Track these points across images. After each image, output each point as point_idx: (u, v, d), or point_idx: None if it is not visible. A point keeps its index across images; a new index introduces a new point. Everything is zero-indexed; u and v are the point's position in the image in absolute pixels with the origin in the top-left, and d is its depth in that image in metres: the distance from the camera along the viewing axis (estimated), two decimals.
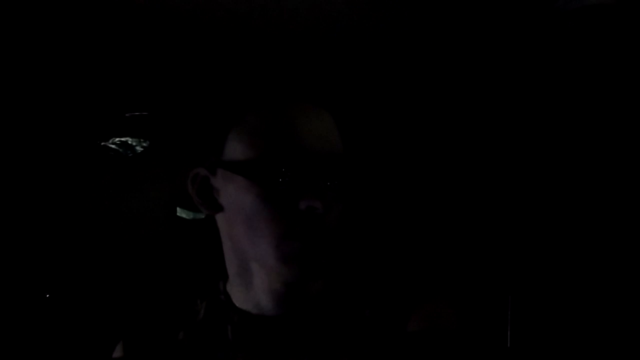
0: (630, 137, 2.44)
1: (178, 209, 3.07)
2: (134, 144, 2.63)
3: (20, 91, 2.23)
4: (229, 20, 1.75)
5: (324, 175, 0.74)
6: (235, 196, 0.75)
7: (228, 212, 0.77)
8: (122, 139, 2.59)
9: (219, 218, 0.79)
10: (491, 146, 2.63)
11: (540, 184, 2.70)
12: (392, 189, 2.82)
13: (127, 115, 2.40)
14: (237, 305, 0.80)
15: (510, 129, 2.52)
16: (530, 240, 2.75)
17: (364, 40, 1.91)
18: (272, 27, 1.80)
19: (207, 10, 1.70)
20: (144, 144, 2.62)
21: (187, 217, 3.09)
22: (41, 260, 3.13)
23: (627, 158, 2.51)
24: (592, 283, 2.62)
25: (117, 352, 0.83)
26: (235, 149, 0.75)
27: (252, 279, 0.78)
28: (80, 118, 2.43)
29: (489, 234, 2.80)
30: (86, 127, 2.49)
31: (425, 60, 2.06)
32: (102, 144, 2.60)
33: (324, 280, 0.80)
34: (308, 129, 0.75)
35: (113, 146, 2.63)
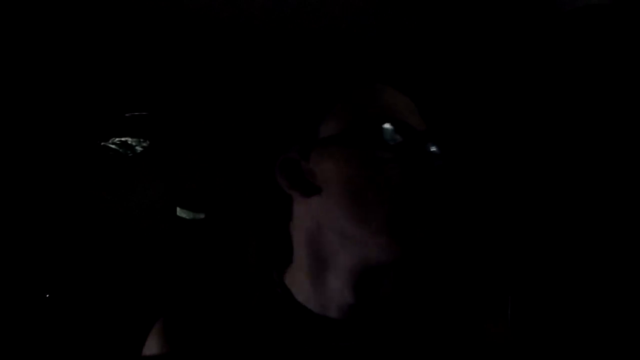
0: (631, 137, 2.44)
1: (178, 209, 3.07)
2: (133, 144, 2.63)
3: (21, 91, 2.23)
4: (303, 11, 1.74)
5: (426, 144, 0.72)
6: (336, 171, 0.72)
7: (327, 192, 0.72)
8: (122, 139, 2.59)
9: (309, 203, 0.74)
10: (491, 146, 2.63)
11: (540, 184, 2.70)
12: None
13: (127, 115, 2.41)
14: (298, 300, 0.75)
15: (510, 128, 2.52)
16: (530, 240, 2.75)
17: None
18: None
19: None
20: (144, 144, 2.62)
21: (187, 217, 3.09)
22: (41, 260, 3.13)
23: (627, 158, 2.51)
24: (592, 283, 2.61)
25: (156, 330, 0.77)
26: (332, 126, 0.74)
27: (329, 271, 0.73)
28: (85, 118, 2.44)
29: (489, 234, 2.80)
30: (94, 127, 2.50)
31: (427, 60, 2.07)
32: (102, 144, 2.61)
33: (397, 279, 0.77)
34: (403, 106, 0.75)
35: (113, 146, 2.63)
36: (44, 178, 2.84)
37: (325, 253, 0.73)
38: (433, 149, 0.72)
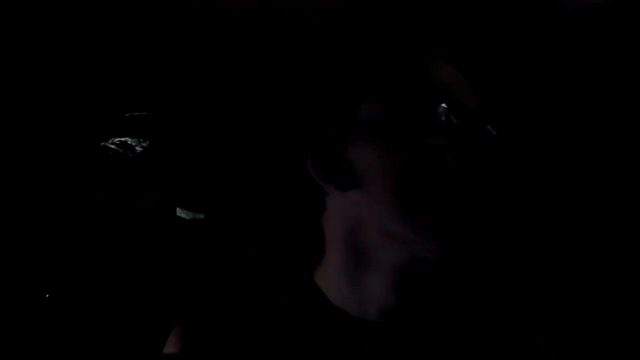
0: (631, 137, 2.44)
1: (178, 209, 3.07)
2: (133, 144, 2.63)
3: (21, 91, 2.23)
4: None
5: (486, 127, 0.62)
6: (378, 161, 0.61)
7: (367, 185, 0.62)
8: (122, 139, 2.59)
9: (347, 197, 0.64)
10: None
11: (539, 185, 2.69)
12: None
13: (127, 115, 2.40)
14: (332, 302, 0.66)
15: (509, 129, 2.51)
16: (530, 240, 2.75)
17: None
18: None
19: None
20: (144, 144, 2.62)
21: (187, 217, 3.09)
22: (41, 261, 3.13)
23: (627, 158, 2.51)
24: (593, 283, 2.61)
25: (173, 338, 0.69)
26: (372, 108, 0.63)
27: (369, 270, 0.64)
28: (85, 118, 2.44)
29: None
30: (94, 127, 2.50)
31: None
32: (102, 144, 2.61)
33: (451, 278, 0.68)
34: (456, 82, 0.64)
35: (113, 146, 2.63)
36: (44, 178, 2.83)
37: (365, 252, 0.64)
38: (496, 132, 0.62)
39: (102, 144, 2.62)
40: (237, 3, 1.75)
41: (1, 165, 2.68)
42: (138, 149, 2.66)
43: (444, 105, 0.60)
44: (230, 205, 3.03)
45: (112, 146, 2.63)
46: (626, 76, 2.11)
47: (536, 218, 2.46)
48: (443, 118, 0.60)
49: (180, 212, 3.08)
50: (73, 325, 3.13)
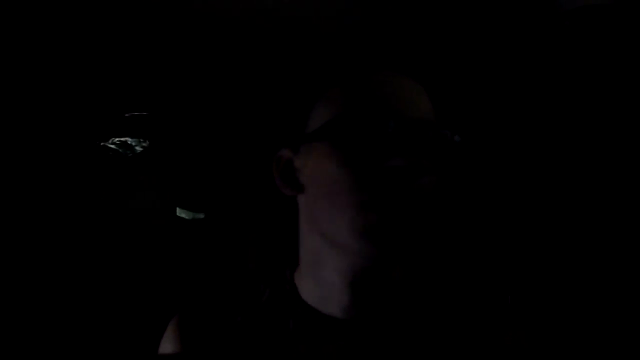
0: (630, 137, 2.44)
1: (178, 209, 3.07)
2: (133, 144, 2.63)
3: (21, 91, 2.23)
4: None
5: (415, 140, 0.63)
6: (316, 168, 0.67)
7: (309, 190, 0.68)
8: (122, 139, 2.59)
9: (300, 200, 0.72)
10: (489, 147, 2.63)
11: (539, 185, 2.70)
12: None
13: (127, 115, 2.41)
14: (303, 298, 0.72)
15: (509, 129, 2.52)
16: (529, 240, 2.75)
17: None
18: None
19: None
20: (144, 144, 2.62)
21: (187, 217, 3.09)
22: (41, 260, 3.13)
23: (627, 158, 2.51)
24: (592, 283, 2.61)
25: (170, 328, 0.76)
26: (318, 119, 0.68)
27: (324, 270, 0.69)
28: (85, 118, 2.44)
29: (488, 234, 2.79)
30: (94, 127, 2.50)
31: (426, 60, 2.07)
32: (102, 144, 2.61)
33: (401, 276, 0.71)
34: (396, 93, 0.66)
35: (113, 146, 2.63)
36: (44, 178, 2.84)
37: (317, 253, 0.70)
38: (421, 147, 0.64)
39: (102, 144, 2.62)
40: (238, 3, 1.75)
41: (1, 165, 2.69)
42: (138, 149, 2.66)
43: (373, 117, 0.63)
44: (230, 205, 3.03)
45: (112, 146, 2.64)
46: (626, 76, 2.11)
47: (511, 215, 2.50)
48: (372, 130, 0.63)
49: (180, 212, 3.08)
50: (72, 324, 3.13)
